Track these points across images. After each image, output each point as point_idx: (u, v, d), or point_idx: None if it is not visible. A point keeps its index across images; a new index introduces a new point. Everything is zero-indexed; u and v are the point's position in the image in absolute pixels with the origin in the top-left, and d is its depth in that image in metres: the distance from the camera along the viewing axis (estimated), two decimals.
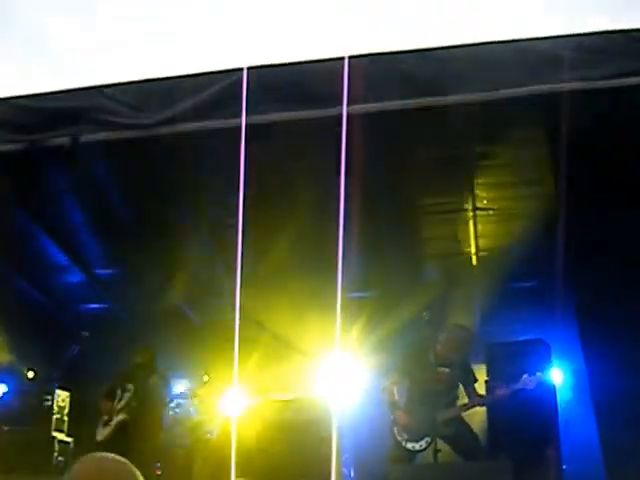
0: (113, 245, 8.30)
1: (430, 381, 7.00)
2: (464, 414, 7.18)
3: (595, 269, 6.50)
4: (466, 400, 7.16)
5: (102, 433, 7.71)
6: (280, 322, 8.68)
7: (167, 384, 8.27)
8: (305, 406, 8.20)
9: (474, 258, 8.07)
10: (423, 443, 6.92)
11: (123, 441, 7.47)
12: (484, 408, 7.62)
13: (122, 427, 7.64)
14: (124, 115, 5.29)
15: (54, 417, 8.54)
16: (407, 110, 4.98)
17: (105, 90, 5.36)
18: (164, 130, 5.23)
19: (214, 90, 5.08)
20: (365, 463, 8.53)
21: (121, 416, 7.70)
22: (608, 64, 4.70)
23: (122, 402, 7.81)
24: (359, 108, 4.94)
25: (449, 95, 4.84)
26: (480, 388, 7.45)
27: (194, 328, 9.47)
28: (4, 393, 9.25)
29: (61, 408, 8.67)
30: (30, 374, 9.31)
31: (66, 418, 8.72)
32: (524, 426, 7.11)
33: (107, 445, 7.44)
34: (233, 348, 9.22)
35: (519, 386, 6.83)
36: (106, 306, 9.34)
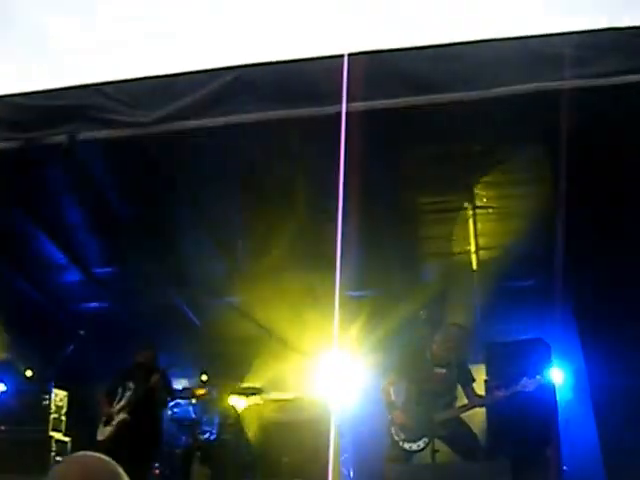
0: (112, 244, 8.28)
1: (427, 381, 6.98)
2: (463, 415, 7.16)
3: (595, 268, 6.48)
4: (465, 401, 7.14)
5: (103, 432, 7.68)
6: (278, 321, 8.66)
7: (168, 384, 8.24)
8: (304, 405, 8.19)
9: (473, 257, 8.04)
10: (421, 443, 6.90)
11: (124, 441, 7.46)
12: (484, 408, 7.60)
13: (123, 427, 7.62)
14: (121, 113, 5.27)
15: (52, 416, 8.51)
16: (405, 108, 4.95)
17: (102, 88, 5.33)
18: (162, 128, 5.20)
19: (212, 88, 5.05)
20: (364, 463, 8.52)
21: (122, 416, 7.68)
22: (608, 62, 4.68)
23: (123, 401, 7.78)
24: (357, 106, 4.91)
25: (448, 93, 4.82)
26: (479, 388, 7.43)
27: (193, 327, 9.45)
28: (2, 392, 9.23)
29: (59, 407, 8.64)
30: (28, 373, 9.30)
31: (64, 418, 8.69)
32: (524, 426, 7.09)
33: (109, 445, 7.44)
34: (232, 348, 9.24)
35: (518, 388, 6.81)
36: (105, 305, 9.32)
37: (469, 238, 7.82)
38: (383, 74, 4.88)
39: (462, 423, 7.09)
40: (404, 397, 7.25)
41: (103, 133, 5.38)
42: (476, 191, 7.12)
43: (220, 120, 5.06)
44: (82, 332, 8.60)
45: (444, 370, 7.08)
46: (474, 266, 8.16)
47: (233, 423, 8.53)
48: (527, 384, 6.78)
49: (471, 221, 7.53)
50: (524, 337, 8.13)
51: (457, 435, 6.93)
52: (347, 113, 5.13)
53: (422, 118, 5.55)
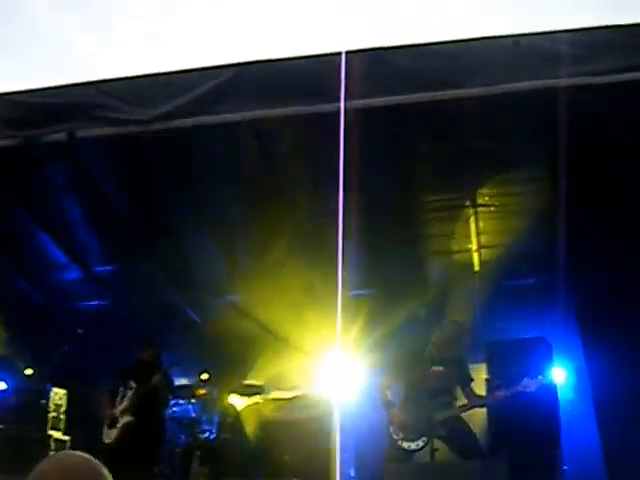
0: (112, 242, 8.26)
1: (425, 380, 6.95)
2: (463, 414, 7.13)
3: (597, 267, 6.46)
4: (465, 401, 7.12)
5: (110, 435, 7.65)
6: (280, 320, 8.64)
7: (170, 382, 8.21)
8: (305, 404, 8.17)
9: (475, 255, 8.02)
10: (420, 442, 6.87)
11: (130, 443, 7.45)
12: (484, 408, 7.58)
13: (128, 429, 7.60)
14: (121, 111, 5.25)
15: (51, 415, 8.49)
16: (407, 105, 4.93)
17: (102, 86, 5.32)
18: (161, 126, 5.19)
19: (211, 86, 5.04)
20: (365, 462, 8.50)
21: (127, 418, 7.65)
22: (611, 59, 4.66)
23: (125, 401, 7.76)
24: (356, 104, 4.90)
25: (446, 90, 4.80)
26: (480, 387, 7.41)
27: (194, 326, 9.44)
28: (1, 391, 9.23)
29: (58, 406, 8.63)
30: (28, 372, 9.29)
31: (63, 416, 8.68)
32: (525, 426, 7.05)
33: (116, 447, 7.47)
34: (232, 347, 9.22)
35: (519, 389, 6.78)
36: (105, 303, 9.30)
37: (470, 236, 7.79)
38: (381, 71, 4.86)
39: (461, 422, 7.06)
40: (403, 396, 7.23)
41: (103, 131, 5.38)
42: (477, 189, 7.09)
43: (219, 118, 5.04)
44: (80, 331, 8.56)
45: (442, 368, 7.06)
46: (475, 265, 8.13)
47: (233, 422, 8.51)
48: (528, 384, 6.75)
49: (472, 219, 7.50)
50: (525, 336, 8.10)
51: (456, 434, 6.90)
52: (346, 111, 5.12)
53: (423, 116, 5.54)
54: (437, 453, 6.68)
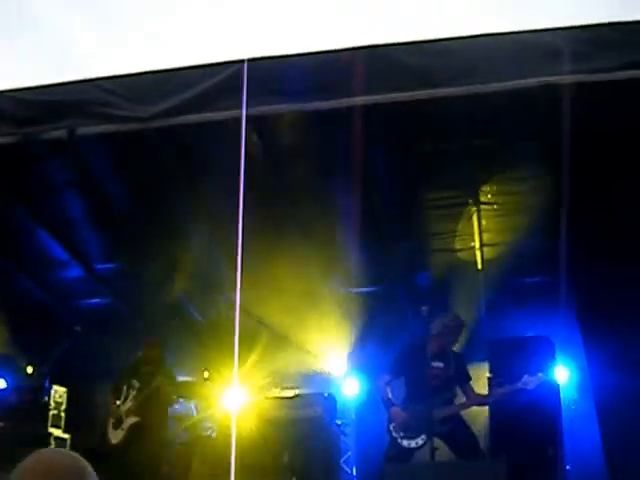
0: (113, 239, 8.24)
1: (425, 376, 6.91)
2: (463, 413, 7.11)
3: (600, 266, 6.42)
4: (464, 399, 7.10)
5: (116, 437, 7.64)
6: (280, 318, 8.62)
7: (174, 382, 8.16)
8: (306, 403, 8.15)
9: (478, 254, 7.99)
10: (419, 440, 6.85)
11: (136, 444, 7.45)
12: (486, 407, 7.56)
13: (134, 430, 7.59)
14: (121, 108, 5.23)
15: (51, 413, 8.47)
16: (408, 102, 4.91)
17: (101, 83, 5.30)
18: (161, 122, 5.16)
19: (213, 82, 5.01)
20: (367, 461, 8.48)
21: (132, 419, 7.63)
22: (614, 56, 4.63)
23: (129, 401, 7.73)
24: (360, 100, 4.87)
25: (449, 87, 4.77)
26: (482, 386, 7.38)
27: (195, 324, 9.41)
28: (2, 389, 9.21)
29: (58, 404, 8.60)
30: (29, 369, 9.27)
31: (63, 414, 8.65)
32: (526, 425, 7.02)
33: (122, 448, 7.48)
34: (234, 344, 9.18)
35: (519, 386, 6.76)
36: (106, 301, 9.28)
37: (473, 235, 7.76)
38: (386, 68, 4.83)
39: (461, 421, 7.04)
40: (403, 394, 7.21)
41: (103, 128, 5.35)
42: (480, 187, 7.06)
43: (221, 115, 5.02)
44: (78, 328, 8.53)
45: (442, 364, 7.04)
46: (478, 263, 8.10)
47: (234, 420, 8.47)
48: (528, 381, 6.73)
49: (475, 217, 7.47)
50: (528, 335, 8.07)
51: (456, 433, 6.87)
52: (349, 108, 5.09)
53: (425, 113, 5.51)
54: (437, 452, 6.62)
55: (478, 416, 7.80)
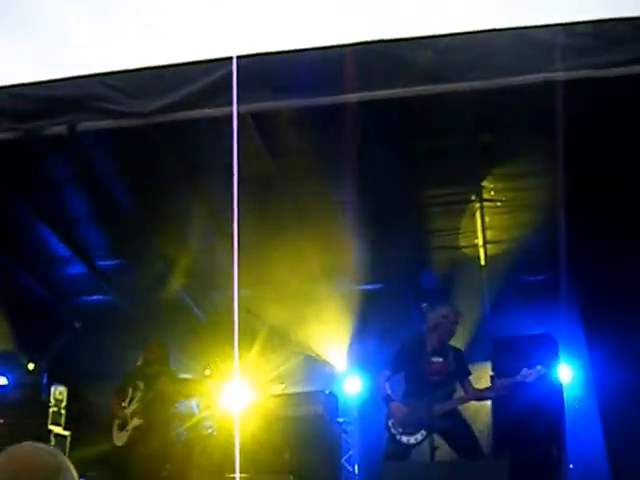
0: (115, 236, 8.21)
1: (424, 371, 6.87)
2: (461, 409, 7.08)
3: (605, 263, 6.39)
4: (463, 394, 7.08)
5: (121, 438, 7.62)
6: (282, 316, 8.60)
7: (178, 383, 8.12)
8: (307, 401, 8.12)
9: (481, 251, 7.96)
10: (418, 436, 6.81)
11: (141, 445, 7.43)
12: (488, 405, 7.53)
13: (139, 432, 7.57)
14: (122, 103, 5.19)
15: (51, 410, 8.45)
16: (410, 99, 4.87)
17: (102, 78, 5.26)
18: (162, 118, 5.13)
19: (213, 78, 4.97)
20: (369, 459, 8.46)
21: (136, 421, 7.60)
22: (617, 51, 4.59)
23: (134, 403, 7.70)
24: (360, 96, 4.83)
25: (452, 83, 4.73)
26: (485, 384, 7.36)
27: (197, 321, 9.39)
28: (2, 386, 9.19)
29: (58, 401, 8.59)
30: (30, 366, 9.26)
31: (64, 411, 8.64)
32: (529, 424, 6.98)
33: (127, 450, 7.46)
34: (235, 342, 9.15)
35: (518, 379, 6.73)
36: (108, 298, 9.25)
37: (477, 231, 7.73)
38: (386, 64, 4.80)
39: (462, 419, 7.01)
40: (403, 389, 7.18)
41: (104, 123, 5.32)
42: (483, 184, 7.03)
43: (222, 110, 4.97)
44: (77, 324, 8.50)
45: (441, 359, 7.01)
46: (481, 260, 8.07)
47: (234, 418, 8.45)
48: (527, 374, 6.70)
49: (478, 214, 7.44)
50: (531, 332, 8.03)
51: (456, 431, 6.84)
52: (352, 104, 5.06)
53: (427, 110, 5.48)
54: (437, 452, 6.58)
55: (480, 415, 7.77)
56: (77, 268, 8.62)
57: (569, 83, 4.70)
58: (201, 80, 4.99)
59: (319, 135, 6.13)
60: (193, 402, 8.79)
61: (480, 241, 7.85)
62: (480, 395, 7.24)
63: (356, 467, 8.82)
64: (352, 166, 6.41)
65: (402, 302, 8.45)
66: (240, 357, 9.11)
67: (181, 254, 8.07)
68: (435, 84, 4.75)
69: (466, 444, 6.86)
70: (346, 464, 8.66)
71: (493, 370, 7.68)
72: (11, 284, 8.51)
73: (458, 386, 7.15)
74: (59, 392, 8.63)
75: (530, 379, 6.70)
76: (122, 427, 7.64)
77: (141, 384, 7.77)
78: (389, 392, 7.11)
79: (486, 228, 7.64)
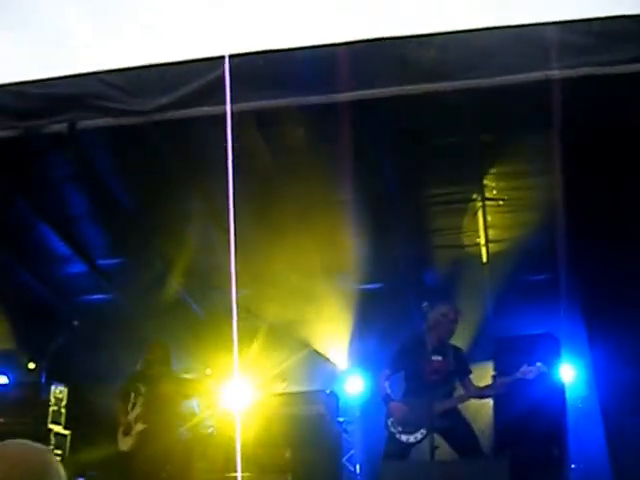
0: (115, 234, 8.21)
1: (424, 370, 6.85)
2: (462, 408, 7.06)
3: (606, 262, 6.37)
4: (463, 392, 7.07)
5: (126, 443, 7.60)
6: (283, 315, 8.59)
7: (180, 384, 8.08)
8: (308, 400, 8.11)
9: (483, 249, 7.94)
10: (418, 435, 6.78)
11: (146, 449, 7.43)
12: (489, 405, 7.51)
13: (143, 436, 7.55)
14: (122, 101, 5.19)
15: (51, 409, 8.44)
16: (411, 97, 4.85)
17: (102, 76, 5.26)
18: (162, 116, 5.12)
19: (213, 76, 4.96)
20: (370, 459, 8.45)
21: (140, 426, 7.59)
22: (617, 49, 4.58)
23: (137, 408, 7.67)
24: (360, 95, 4.82)
25: (455, 81, 4.71)
26: (486, 382, 7.34)
27: (197, 320, 9.38)
28: (3, 385, 9.19)
29: (59, 400, 8.57)
30: (31, 365, 9.25)
31: (64, 410, 8.62)
32: (531, 424, 6.95)
33: (133, 454, 7.46)
34: (235, 341, 9.13)
35: (518, 376, 6.71)
36: (108, 297, 9.25)
37: (479, 231, 7.71)
38: (386, 63, 4.78)
39: (462, 418, 6.99)
40: (402, 388, 7.16)
41: (104, 121, 5.32)
42: (485, 183, 7.02)
43: (221, 108, 4.96)
44: (76, 322, 8.49)
45: (441, 358, 6.99)
46: (483, 259, 8.05)
47: (235, 418, 8.44)
48: (527, 371, 6.68)
49: (480, 213, 7.42)
50: (533, 332, 8.01)
51: (456, 430, 6.81)
52: (354, 102, 5.05)
53: (428, 108, 5.46)
54: (437, 452, 6.55)
55: (481, 414, 7.75)
56: (77, 267, 8.61)
57: (570, 81, 4.68)
58: (200, 78, 4.99)
59: (321, 132, 6.11)
60: (194, 402, 8.77)
61: (482, 240, 7.83)
62: (480, 393, 7.21)
63: (357, 467, 8.80)
64: (354, 165, 6.41)
65: (403, 301, 8.43)
66: (241, 356, 9.12)
67: (182, 253, 8.05)
68: (436, 82, 4.74)
69: (466, 443, 6.83)
70: (347, 464, 8.65)
71: (495, 369, 7.65)
72: (11, 283, 8.50)
73: (458, 385, 7.13)
74: (59, 391, 8.61)
75: (530, 376, 6.69)
76: (126, 432, 7.62)
77: (143, 387, 7.73)
78: (388, 391, 7.10)
79: (488, 227, 7.62)
